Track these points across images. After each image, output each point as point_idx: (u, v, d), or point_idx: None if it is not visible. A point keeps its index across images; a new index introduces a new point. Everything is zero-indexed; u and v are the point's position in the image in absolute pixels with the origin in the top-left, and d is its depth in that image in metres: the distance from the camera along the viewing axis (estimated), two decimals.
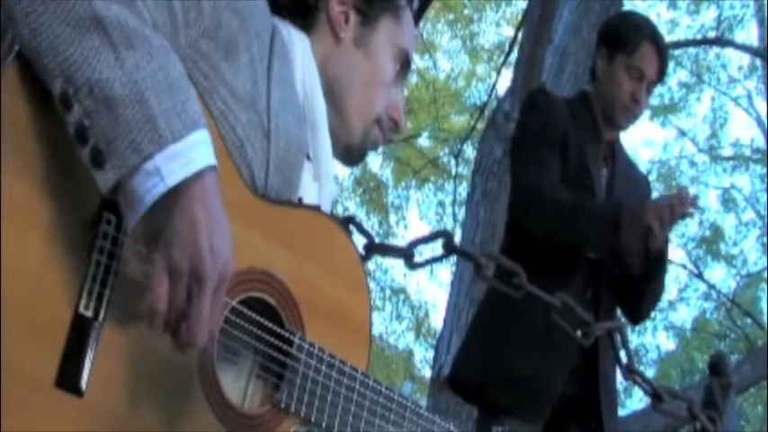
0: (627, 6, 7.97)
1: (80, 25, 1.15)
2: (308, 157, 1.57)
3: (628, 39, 3.16)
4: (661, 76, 3.21)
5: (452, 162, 10.37)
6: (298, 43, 1.60)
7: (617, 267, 3.07)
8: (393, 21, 1.69)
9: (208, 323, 1.20)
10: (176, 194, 1.17)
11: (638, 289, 3.12)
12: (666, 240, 3.06)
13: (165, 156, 1.16)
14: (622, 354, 2.74)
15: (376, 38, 1.67)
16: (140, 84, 1.16)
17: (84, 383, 1.18)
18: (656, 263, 3.06)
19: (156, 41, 1.22)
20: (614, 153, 3.26)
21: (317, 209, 1.55)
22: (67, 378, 1.17)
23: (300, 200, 1.55)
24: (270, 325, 1.41)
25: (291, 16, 1.64)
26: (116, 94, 1.15)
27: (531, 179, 3.06)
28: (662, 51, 3.19)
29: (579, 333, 2.67)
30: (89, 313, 1.19)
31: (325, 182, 1.61)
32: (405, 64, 1.71)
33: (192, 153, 1.18)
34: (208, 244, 1.18)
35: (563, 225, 2.99)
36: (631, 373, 2.69)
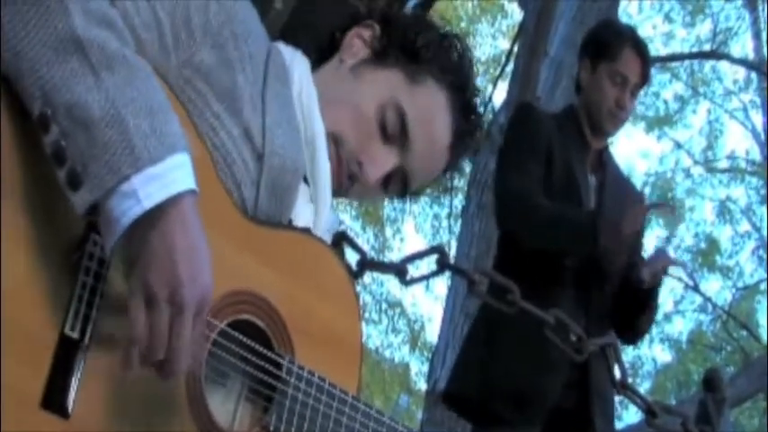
0: (622, 19, 7.98)
1: (60, 47, 1.15)
2: (306, 181, 1.55)
3: (609, 46, 3.22)
4: (644, 79, 3.25)
5: (448, 175, 10.36)
6: (297, 65, 1.58)
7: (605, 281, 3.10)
8: (404, 78, 1.59)
9: (188, 350, 1.19)
10: (154, 218, 1.16)
11: (632, 311, 3.14)
12: (659, 283, 3.10)
13: (142, 178, 1.14)
14: (616, 369, 2.75)
15: (373, 75, 1.59)
16: (119, 106, 1.15)
17: (70, 404, 1.17)
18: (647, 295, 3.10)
19: (137, 64, 1.21)
20: (603, 162, 3.28)
21: (307, 231, 1.53)
22: (53, 398, 1.16)
23: (290, 221, 1.54)
24: (259, 348, 1.39)
25: (317, 55, 1.63)
26: (94, 116, 1.13)
27: (513, 186, 3.10)
28: (644, 55, 3.25)
29: (572, 348, 2.67)
30: (75, 335, 1.18)
31: (321, 205, 1.57)
32: (400, 128, 1.56)
33: (170, 176, 1.16)
34: (186, 270, 1.17)
35: (544, 232, 3.02)
36: (624, 388, 2.69)
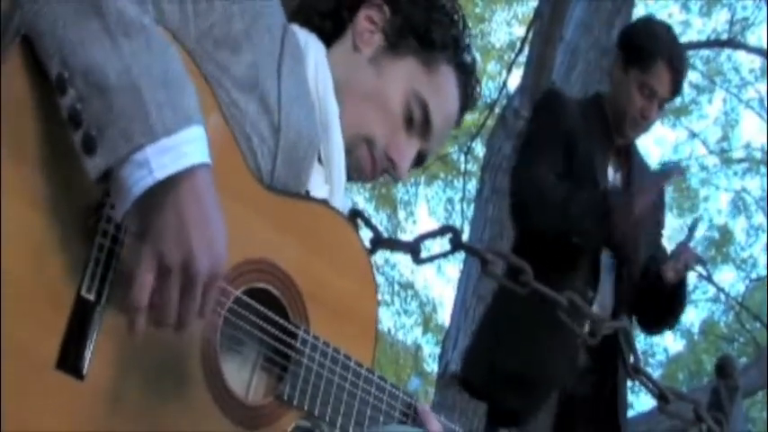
0: (638, 6, 7.92)
1: (79, 10, 1.15)
2: (320, 161, 1.56)
3: (644, 54, 3.10)
4: (675, 93, 3.17)
5: (462, 159, 10.36)
6: (312, 47, 1.59)
7: (628, 270, 3.08)
8: (421, 66, 1.62)
9: (195, 318, 1.19)
10: (166, 189, 1.16)
11: (661, 303, 3.12)
12: (685, 277, 3.09)
13: (155, 149, 1.14)
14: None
15: (394, 68, 1.62)
16: (135, 73, 1.15)
17: (85, 366, 1.18)
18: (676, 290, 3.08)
19: (155, 33, 1.21)
20: (629, 157, 3.24)
21: (324, 202, 1.54)
22: (68, 360, 1.16)
23: (308, 192, 1.54)
24: (274, 317, 1.40)
25: (321, 24, 1.64)
26: (110, 82, 1.13)
27: (528, 178, 3.06)
28: (678, 69, 3.12)
29: (585, 332, 2.67)
30: (91, 296, 1.18)
31: (336, 186, 1.59)
32: (423, 118, 1.62)
33: (183, 148, 1.16)
34: (199, 240, 1.17)
35: (553, 215, 2.99)
36: (637, 373, 2.68)
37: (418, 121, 1.62)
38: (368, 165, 1.62)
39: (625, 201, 2.94)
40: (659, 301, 3.11)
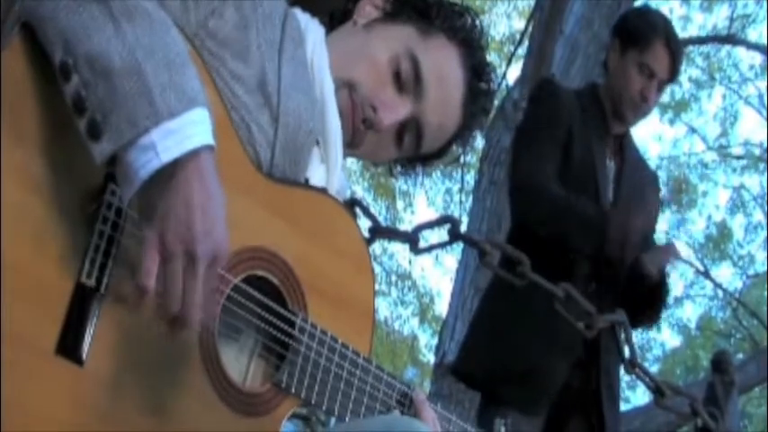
0: (639, 0, 7.91)
1: None
2: (317, 142, 1.56)
3: (641, 35, 3.14)
4: (673, 75, 3.19)
5: (460, 150, 10.35)
6: (311, 30, 1.59)
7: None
8: (417, 32, 1.61)
9: (200, 302, 1.18)
10: (171, 171, 1.16)
11: (638, 300, 3.13)
12: (663, 275, 3.09)
13: (160, 131, 1.14)
14: (625, 348, 2.75)
15: (386, 29, 1.62)
16: (139, 57, 1.15)
17: (84, 352, 1.18)
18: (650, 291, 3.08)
19: (158, 16, 1.21)
20: (623, 147, 3.24)
21: (323, 191, 1.54)
22: (68, 346, 1.17)
23: (307, 180, 1.54)
24: (272, 305, 1.40)
25: (330, 18, 1.65)
26: (114, 67, 1.14)
27: (526, 170, 3.06)
28: (675, 52, 3.15)
29: (582, 324, 2.68)
30: (91, 283, 1.18)
31: (333, 165, 1.58)
32: (413, 75, 1.57)
33: (188, 131, 1.16)
34: (201, 223, 1.17)
35: (552, 221, 2.99)
36: (633, 366, 2.69)
37: (408, 78, 1.58)
38: (348, 108, 1.56)
39: (622, 220, 2.95)
40: (642, 298, 3.11)
